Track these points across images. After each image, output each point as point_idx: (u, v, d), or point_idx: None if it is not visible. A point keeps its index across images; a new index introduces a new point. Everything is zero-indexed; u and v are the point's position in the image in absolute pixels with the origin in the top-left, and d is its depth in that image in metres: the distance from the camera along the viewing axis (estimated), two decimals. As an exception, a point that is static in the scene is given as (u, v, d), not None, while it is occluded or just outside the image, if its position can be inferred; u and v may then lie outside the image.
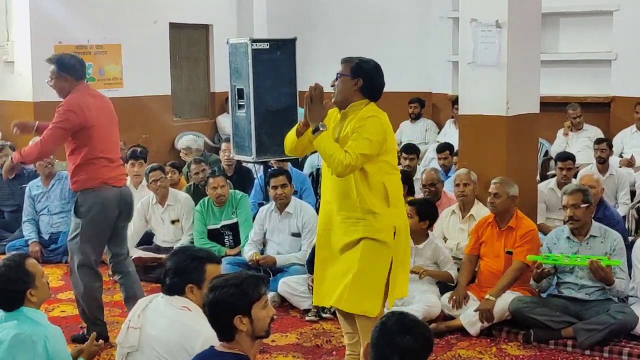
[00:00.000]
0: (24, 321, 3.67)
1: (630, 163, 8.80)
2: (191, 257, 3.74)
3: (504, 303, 5.67)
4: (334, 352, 5.50)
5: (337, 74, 4.55)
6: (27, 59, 9.83)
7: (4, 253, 7.35)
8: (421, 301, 5.83)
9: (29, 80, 9.84)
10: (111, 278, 7.06)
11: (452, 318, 5.84)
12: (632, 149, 9.14)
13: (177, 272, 3.71)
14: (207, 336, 3.39)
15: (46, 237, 7.99)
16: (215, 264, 3.77)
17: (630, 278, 5.70)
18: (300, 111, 9.68)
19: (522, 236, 5.87)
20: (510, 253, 5.90)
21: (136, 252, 7.32)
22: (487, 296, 5.72)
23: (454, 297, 5.85)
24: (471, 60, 6.69)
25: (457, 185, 6.58)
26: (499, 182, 5.99)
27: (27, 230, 7.95)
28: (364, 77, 4.48)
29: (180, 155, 10.15)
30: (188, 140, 10.36)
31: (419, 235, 6.04)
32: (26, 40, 9.84)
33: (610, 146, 8.35)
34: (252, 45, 7.30)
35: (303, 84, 9.18)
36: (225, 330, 3.20)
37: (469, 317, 5.70)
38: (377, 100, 4.56)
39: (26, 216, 8.03)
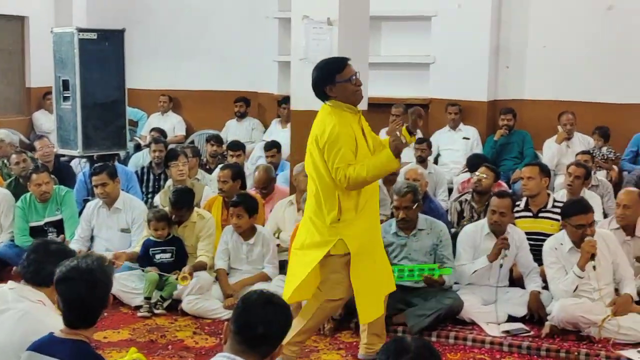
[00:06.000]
0: None
1: None
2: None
3: None
4: (170, 346, 5.41)
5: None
6: None
7: None
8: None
9: None
10: None
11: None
12: (447, 147, 9.59)
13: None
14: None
15: None
16: None
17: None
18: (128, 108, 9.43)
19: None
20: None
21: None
22: None
23: None
24: (303, 57, 6.78)
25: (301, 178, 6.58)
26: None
27: None
28: None
29: None
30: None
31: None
32: None
33: (430, 146, 8.72)
34: (78, 34, 7.10)
35: (129, 80, 9.00)
36: None
37: None
38: None
39: None
